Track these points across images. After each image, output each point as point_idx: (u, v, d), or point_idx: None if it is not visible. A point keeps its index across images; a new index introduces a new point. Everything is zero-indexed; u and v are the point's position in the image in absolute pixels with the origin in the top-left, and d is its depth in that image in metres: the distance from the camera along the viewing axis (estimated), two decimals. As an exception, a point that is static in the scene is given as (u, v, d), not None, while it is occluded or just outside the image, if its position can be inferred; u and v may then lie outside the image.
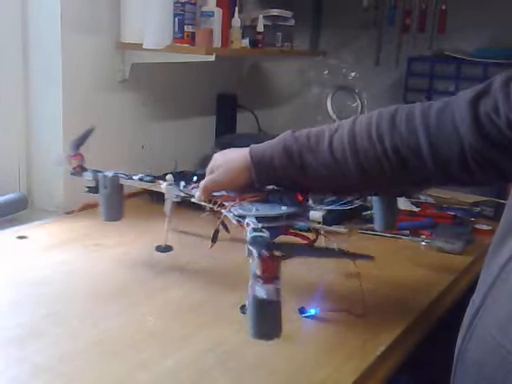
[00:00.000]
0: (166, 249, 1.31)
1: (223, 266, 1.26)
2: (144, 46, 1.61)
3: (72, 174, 1.29)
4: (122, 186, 1.25)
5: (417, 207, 1.66)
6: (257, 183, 1.02)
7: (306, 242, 1.05)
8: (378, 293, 1.16)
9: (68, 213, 1.60)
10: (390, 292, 1.18)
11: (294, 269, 1.16)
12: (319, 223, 0.99)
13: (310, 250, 1.03)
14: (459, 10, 2.09)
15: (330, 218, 1.00)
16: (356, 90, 2.17)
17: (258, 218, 0.96)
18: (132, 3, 1.64)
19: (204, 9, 1.68)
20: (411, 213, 1.62)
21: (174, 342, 0.95)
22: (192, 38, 1.64)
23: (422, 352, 1.07)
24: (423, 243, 1.45)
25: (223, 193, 1.06)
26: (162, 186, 1.22)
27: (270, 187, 1.04)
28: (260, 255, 0.82)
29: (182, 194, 1.18)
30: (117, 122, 1.75)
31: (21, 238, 1.39)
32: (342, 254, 1.00)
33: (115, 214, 1.27)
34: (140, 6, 1.61)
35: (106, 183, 1.24)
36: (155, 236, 1.39)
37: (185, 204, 1.22)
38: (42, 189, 1.65)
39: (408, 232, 1.49)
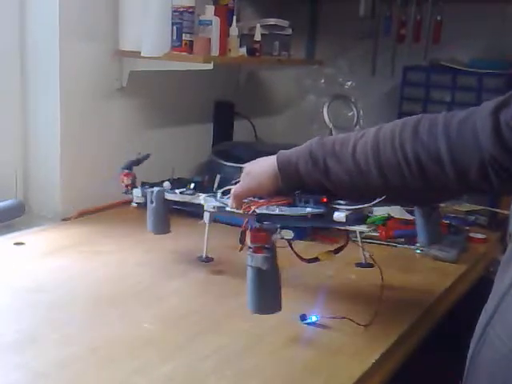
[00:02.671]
0: (207, 259, 1.31)
1: (224, 273, 1.27)
2: (142, 54, 1.62)
3: (124, 192, 1.34)
4: (167, 200, 1.29)
5: (412, 215, 1.67)
6: (284, 188, 1.04)
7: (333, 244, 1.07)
8: (373, 300, 1.16)
9: (65, 219, 1.60)
10: (385, 299, 1.18)
11: (296, 274, 1.18)
12: (342, 223, 1.01)
13: (302, 220, 1.05)
14: (454, 20, 2.11)
15: (354, 219, 1.02)
16: (352, 99, 2.19)
17: (284, 218, 0.99)
18: (130, 11, 1.65)
19: (202, 17, 1.69)
20: (406, 221, 1.62)
21: (171, 349, 0.96)
22: (190, 47, 1.65)
23: (418, 359, 1.08)
24: (418, 251, 1.46)
25: (255, 199, 1.08)
26: (201, 198, 1.26)
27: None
28: (249, 227, 0.88)
29: (219, 204, 1.22)
30: (114, 130, 1.75)
31: (18, 244, 1.39)
32: (332, 222, 1.02)
33: (163, 227, 1.31)
34: (138, 13, 1.62)
35: (153, 198, 1.27)
36: (150, 244, 1.40)
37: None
38: (38, 195, 1.65)
39: (403, 240, 1.50)
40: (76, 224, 1.56)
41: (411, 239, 1.50)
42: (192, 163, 2.02)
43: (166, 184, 1.32)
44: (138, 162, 1.37)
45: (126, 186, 1.33)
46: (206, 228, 1.27)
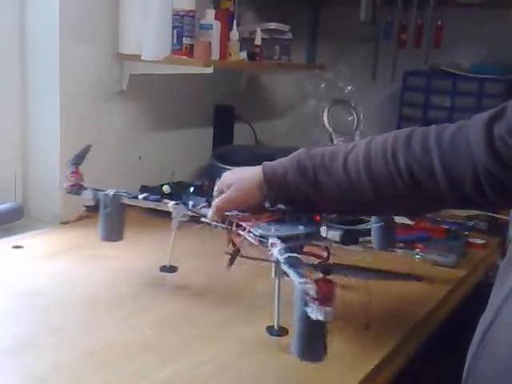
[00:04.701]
0: (170, 269, 1.27)
1: (221, 280, 1.26)
2: (142, 58, 1.62)
3: (68, 192, 1.24)
4: (123, 205, 1.21)
5: (411, 220, 1.67)
6: (269, 200, 1.02)
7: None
8: (372, 305, 1.16)
9: (64, 223, 1.60)
10: (384, 305, 1.18)
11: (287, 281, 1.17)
12: (336, 243, 0.99)
13: (360, 271, 1.04)
14: (455, 25, 2.11)
15: (348, 238, 1.01)
16: (352, 104, 2.18)
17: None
18: (131, 14, 1.66)
19: (202, 21, 1.70)
20: (406, 226, 1.63)
21: (168, 354, 0.96)
22: (190, 50, 1.65)
23: (417, 365, 1.08)
24: (417, 256, 1.45)
25: (235, 212, 1.05)
26: (169, 205, 1.18)
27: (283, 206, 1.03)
28: (317, 278, 0.83)
29: (191, 214, 1.15)
30: (114, 133, 1.75)
31: (16, 247, 1.39)
32: (391, 275, 1.01)
33: (115, 234, 1.22)
34: (139, 17, 1.63)
35: (107, 202, 1.19)
36: (150, 248, 1.40)
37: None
38: (37, 198, 1.65)
39: (402, 245, 1.50)
40: (75, 227, 1.55)
41: (410, 244, 1.50)
42: (192, 167, 2.02)
43: (166, 187, 1.30)
44: (81, 158, 1.25)
45: (71, 186, 1.23)
46: (172, 235, 1.22)
